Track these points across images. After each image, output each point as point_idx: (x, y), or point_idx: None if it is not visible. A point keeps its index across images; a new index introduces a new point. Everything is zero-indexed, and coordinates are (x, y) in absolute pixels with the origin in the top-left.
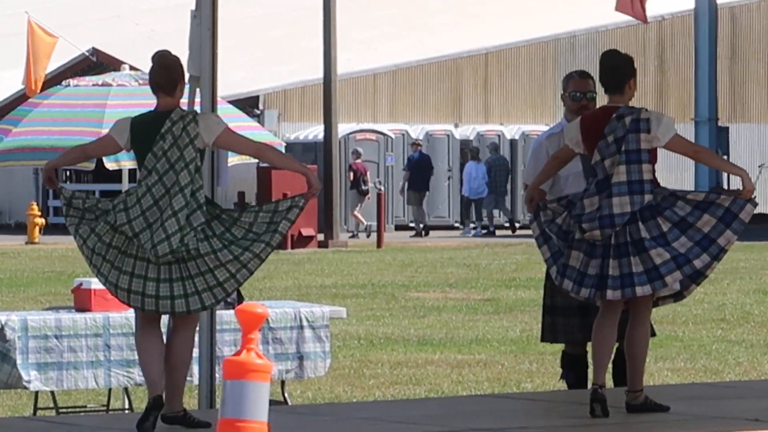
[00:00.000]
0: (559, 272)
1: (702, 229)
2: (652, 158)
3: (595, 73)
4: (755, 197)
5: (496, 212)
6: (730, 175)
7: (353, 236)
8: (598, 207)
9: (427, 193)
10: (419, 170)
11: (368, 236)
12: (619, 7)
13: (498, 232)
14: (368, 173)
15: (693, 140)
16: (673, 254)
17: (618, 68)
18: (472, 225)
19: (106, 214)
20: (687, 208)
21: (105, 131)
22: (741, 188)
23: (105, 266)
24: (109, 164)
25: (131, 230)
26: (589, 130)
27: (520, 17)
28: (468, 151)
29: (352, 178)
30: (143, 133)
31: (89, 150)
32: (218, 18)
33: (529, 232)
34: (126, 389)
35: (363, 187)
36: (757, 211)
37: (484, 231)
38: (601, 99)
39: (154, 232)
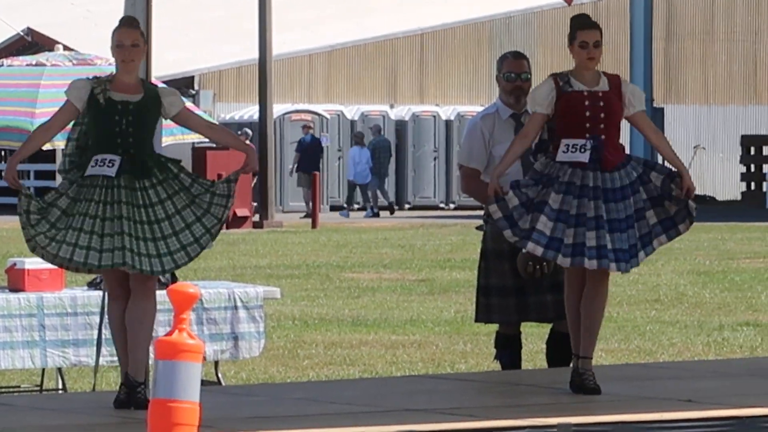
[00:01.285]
0: (543, 245)
1: (649, 222)
2: None
3: (531, 53)
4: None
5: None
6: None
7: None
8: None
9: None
10: (310, 152)
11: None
12: None
13: (431, 213)
14: None
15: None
16: (632, 242)
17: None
18: (357, 206)
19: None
20: (645, 195)
21: (38, 111)
22: (679, 188)
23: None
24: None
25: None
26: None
27: None
28: (354, 136)
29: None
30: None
31: (53, 126)
32: None
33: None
34: (60, 369)
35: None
36: None
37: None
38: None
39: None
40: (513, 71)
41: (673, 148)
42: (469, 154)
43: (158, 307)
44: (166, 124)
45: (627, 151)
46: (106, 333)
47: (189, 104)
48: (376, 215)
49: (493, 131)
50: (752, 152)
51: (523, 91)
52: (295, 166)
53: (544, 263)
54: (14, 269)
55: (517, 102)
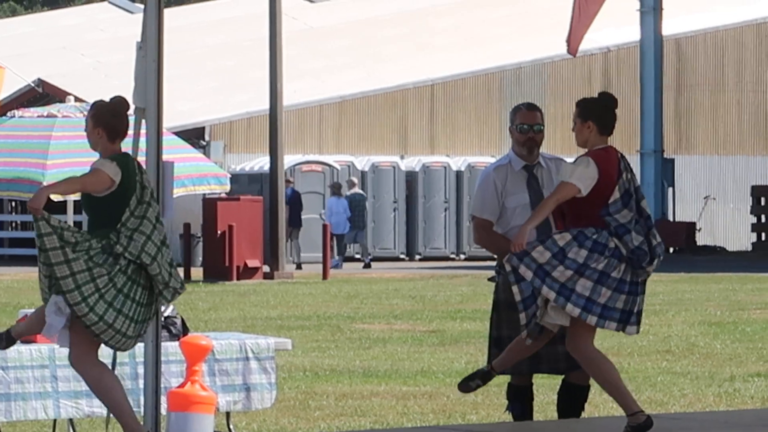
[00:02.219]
0: (582, 307)
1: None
2: None
3: (542, 104)
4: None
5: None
6: (676, 206)
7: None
8: (644, 239)
9: (300, 229)
10: (291, 206)
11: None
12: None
13: (442, 263)
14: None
15: (640, 172)
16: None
17: (615, 112)
18: (357, 256)
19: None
20: None
21: (50, 162)
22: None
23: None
24: (54, 196)
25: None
26: (607, 168)
27: (467, 48)
28: (331, 186)
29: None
30: (130, 171)
31: (87, 184)
32: (164, 49)
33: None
34: (71, 420)
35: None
36: (702, 242)
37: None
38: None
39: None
40: (526, 123)
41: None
42: (482, 205)
43: (170, 358)
44: (177, 175)
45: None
46: None
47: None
48: (368, 266)
49: (505, 183)
50: (762, 203)
51: (535, 142)
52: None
53: None
54: None
55: (529, 153)
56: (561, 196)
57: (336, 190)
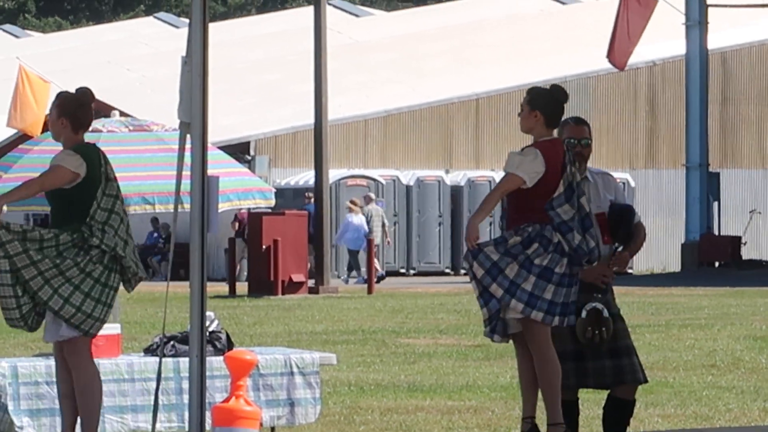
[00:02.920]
0: (536, 307)
1: None
2: None
3: (587, 118)
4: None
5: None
6: (721, 221)
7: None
8: (582, 238)
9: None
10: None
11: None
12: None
13: None
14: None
15: (685, 186)
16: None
17: (562, 103)
18: (352, 274)
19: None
20: None
21: None
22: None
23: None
24: None
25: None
26: (552, 160)
27: (511, 63)
28: (348, 201)
29: (237, 227)
30: (95, 162)
31: (47, 184)
32: (209, 64)
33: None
34: None
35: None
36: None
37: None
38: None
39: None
40: (574, 137)
41: None
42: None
43: (215, 373)
44: (222, 190)
45: (684, 221)
46: (163, 399)
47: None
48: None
49: None
50: None
51: (583, 156)
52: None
53: (603, 329)
54: None
55: (578, 168)
56: (506, 187)
57: (352, 206)
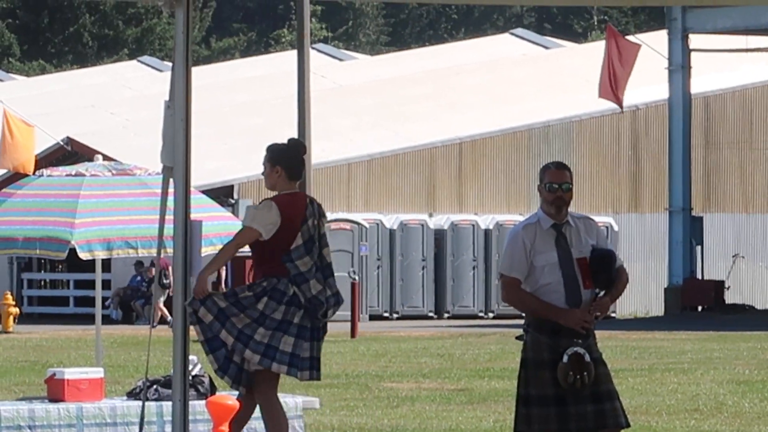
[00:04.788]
0: (265, 354)
1: None
2: None
3: (570, 162)
4: None
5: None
6: (704, 265)
7: (153, 327)
8: (323, 288)
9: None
10: None
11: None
12: (602, 94)
13: (471, 322)
14: (170, 268)
15: (668, 230)
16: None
17: (303, 159)
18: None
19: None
20: None
21: (78, 221)
22: None
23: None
24: (83, 254)
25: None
26: (289, 215)
27: (494, 106)
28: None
29: (153, 273)
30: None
31: (241, 243)
32: (192, 107)
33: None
34: None
35: (164, 281)
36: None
37: None
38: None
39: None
40: (555, 182)
41: None
42: (511, 264)
43: (198, 417)
44: (206, 234)
45: (667, 265)
46: None
47: (228, 213)
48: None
49: (534, 241)
50: None
51: (564, 201)
52: None
53: (585, 373)
54: (54, 379)
55: (558, 212)
56: (241, 240)
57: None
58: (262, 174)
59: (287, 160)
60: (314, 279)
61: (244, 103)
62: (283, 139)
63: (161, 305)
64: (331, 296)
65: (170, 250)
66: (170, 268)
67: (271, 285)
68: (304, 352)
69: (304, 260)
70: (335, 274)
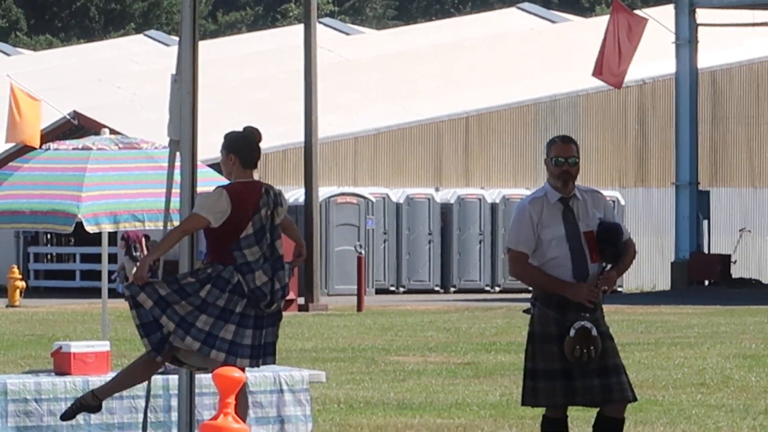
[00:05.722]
0: (202, 341)
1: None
2: None
3: (576, 136)
4: None
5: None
6: (711, 239)
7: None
8: (271, 278)
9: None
10: None
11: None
12: (596, 73)
13: (477, 296)
14: (142, 240)
15: (675, 204)
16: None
17: (259, 146)
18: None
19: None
20: None
21: (84, 195)
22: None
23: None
24: (90, 227)
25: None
26: (240, 203)
27: (501, 81)
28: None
29: (124, 246)
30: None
31: (187, 229)
32: (199, 81)
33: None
34: None
35: (135, 254)
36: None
37: None
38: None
39: None
40: (561, 156)
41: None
42: (518, 238)
43: (204, 390)
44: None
45: (673, 241)
46: (152, 416)
47: None
48: None
49: (541, 215)
50: None
51: (571, 175)
52: None
53: (592, 347)
54: (60, 353)
55: (565, 186)
56: (186, 227)
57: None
58: (221, 160)
59: (241, 148)
60: (261, 270)
61: (250, 78)
62: (291, 113)
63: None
64: (279, 289)
65: (176, 223)
66: (142, 240)
67: (216, 272)
68: (245, 340)
69: (252, 250)
70: (342, 247)
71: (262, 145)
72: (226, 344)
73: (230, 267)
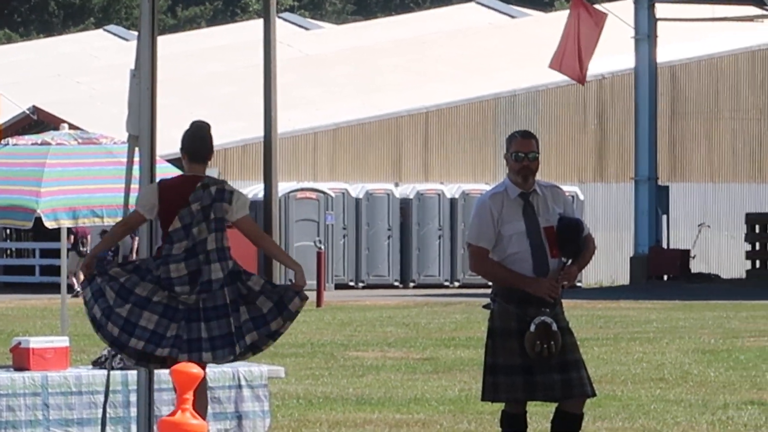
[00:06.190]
0: (123, 329)
1: (261, 309)
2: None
3: (536, 131)
4: (305, 294)
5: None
6: (670, 234)
7: (75, 295)
8: (194, 272)
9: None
10: None
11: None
12: (553, 65)
13: (436, 291)
14: (89, 236)
15: (634, 199)
16: (236, 325)
17: (206, 140)
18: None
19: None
20: (253, 287)
21: (44, 190)
22: (295, 281)
23: None
24: (48, 223)
25: None
26: (170, 197)
27: (461, 76)
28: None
29: (72, 240)
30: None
31: (127, 223)
32: (158, 76)
33: (468, 291)
34: None
35: (81, 249)
36: (696, 270)
37: None
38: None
39: None
40: (521, 151)
41: (281, 249)
42: (478, 233)
43: (162, 386)
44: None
45: (633, 235)
46: (111, 412)
47: None
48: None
49: (501, 210)
50: (757, 230)
51: (531, 170)
52: None
53: (552, 343)
54: (19, 348)
55: (525, 181)
56: (127, 220)
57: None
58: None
59: (187, 143)
60: (181, 263)
61: (210, 73)
62: (251, 108)
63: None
64: (205, 282)
65: None
66: (89, 236)
67: (144, 264)
68: (169, 331)
69: (181, 244)
70: (301, 243)
71: (222, 140)
72: (147, 333)
73: (158, 259)
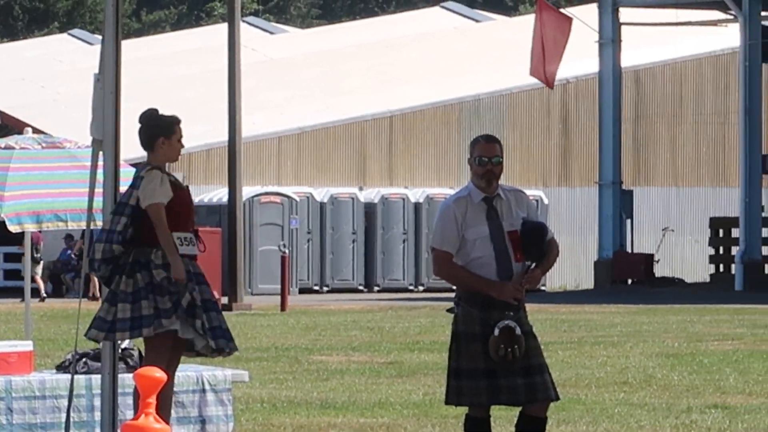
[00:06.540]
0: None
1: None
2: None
3: (500, 135)
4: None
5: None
6: (634, 238)
7: (42, 300)
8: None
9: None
10: None
11: (42, 301)
12: (533, 72)
13: (401, 295)
14: (41, 242)
15: (598, 203)
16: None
17: (145, 126)
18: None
19: None
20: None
21: (7, 194)
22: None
23: None
24: (12, 227)
25: None
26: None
27: (425, 80)
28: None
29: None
30: None
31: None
32: (123, 80)
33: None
34: None
35: (35, 255)
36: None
37: None
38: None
39: None
40: (485, 155)
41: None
42: (442, 237)
43: (127, 390)
44: None
45: (597, 239)
46: (74, 416)
47: None
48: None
49: (465, 215)
50: (721, 234)
51: (494, 174)
52: None
53: (516, 346)
54: None
55: (488, 185)
56: (163, 216)
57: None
58: None
59: (141, 135)
60: (104, 243)
61: (175, 77)
62: (215, 112)
63: (38, 278)
64: (93, 261)
65: (100, 223)
66: (41, 242)
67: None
68: (108, 316)
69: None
70: (265, 247)
71: (186, 144)
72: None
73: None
